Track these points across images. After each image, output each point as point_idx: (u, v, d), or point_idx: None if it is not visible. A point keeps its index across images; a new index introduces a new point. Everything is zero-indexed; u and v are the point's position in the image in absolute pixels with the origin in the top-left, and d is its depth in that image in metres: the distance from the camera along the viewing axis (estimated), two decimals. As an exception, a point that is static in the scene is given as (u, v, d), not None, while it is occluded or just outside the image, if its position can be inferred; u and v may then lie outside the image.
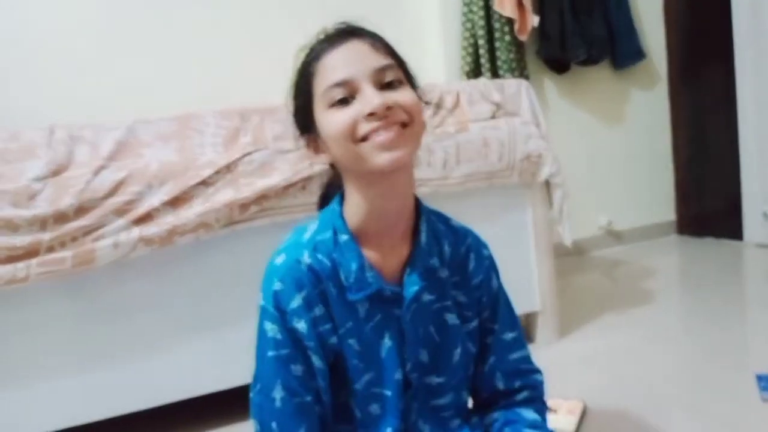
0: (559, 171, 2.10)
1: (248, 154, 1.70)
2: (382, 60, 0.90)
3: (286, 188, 1.71)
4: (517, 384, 1.09)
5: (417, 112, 0.91)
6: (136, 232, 1.58)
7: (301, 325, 0.94)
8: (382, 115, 0.87)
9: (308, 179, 1.72)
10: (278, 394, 0.95)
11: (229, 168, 1.67)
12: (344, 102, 0.89)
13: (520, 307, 1.15)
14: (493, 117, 2.00)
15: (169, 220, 1.61)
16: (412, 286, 0.99)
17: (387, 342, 1.00)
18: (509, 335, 1.10)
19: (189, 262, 1.71)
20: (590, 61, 3.28)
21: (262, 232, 1.75)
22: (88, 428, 1.65)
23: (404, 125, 0.89)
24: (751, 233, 3.37)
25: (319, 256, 0.95)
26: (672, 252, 3.55)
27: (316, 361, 0.95)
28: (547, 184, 2.14)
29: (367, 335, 0.98)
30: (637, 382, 1.86)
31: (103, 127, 1.64)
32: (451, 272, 1.05)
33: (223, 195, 1.66)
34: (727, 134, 3.45)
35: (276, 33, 2.92)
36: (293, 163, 1.72)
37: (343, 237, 0.96)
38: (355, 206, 0.97)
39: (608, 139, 3.61)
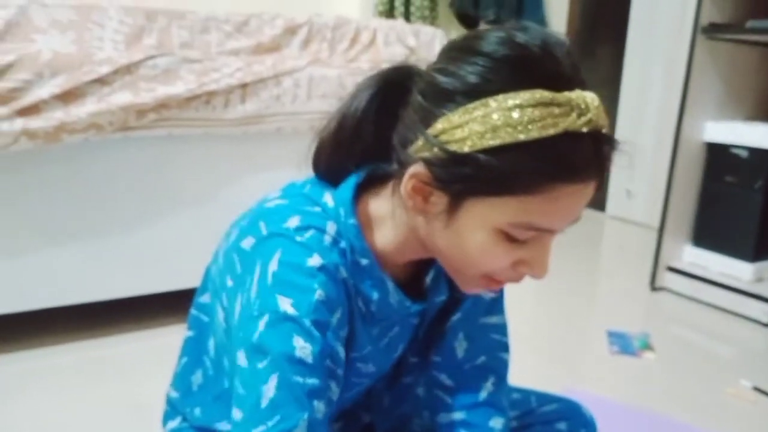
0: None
1: (151, 57, 1.61)
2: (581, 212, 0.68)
3: (189, 99, 1.64)
4: (481, 359, 0.89)
5: None
6: (20, 123, 1.47)
7: (340, 349, 0.71)
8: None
9: (213, 93, 1.66)
10: None
11: (129, 69, 1.58)
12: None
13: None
14: (405, 61, 2.01)
15: (57, 116, 1.50)
16: (438, 297, 0.84)
17: (399, 353, 0.87)
18: (488, 294, 0.89)
19: (75, 163, 1.61)
20: (497, 21, 3.36)
21: (157, 142, 1.68)
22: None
23: None
24: (612, 207, 3.66)
25: (345, 271, 0.73)
26: (542, 216, 3.77)
27: (335, 395, 0.72)
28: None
29: (381, 354, 0.83)
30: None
31: (-10, 2, 1.49)
32: None
33: (120, 97, 1.56)
34: (608, 115, 3.67)
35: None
36: (199, 74, 1.65)
37: (363, 261, 0.74)
38: (388, 238, 0.75)
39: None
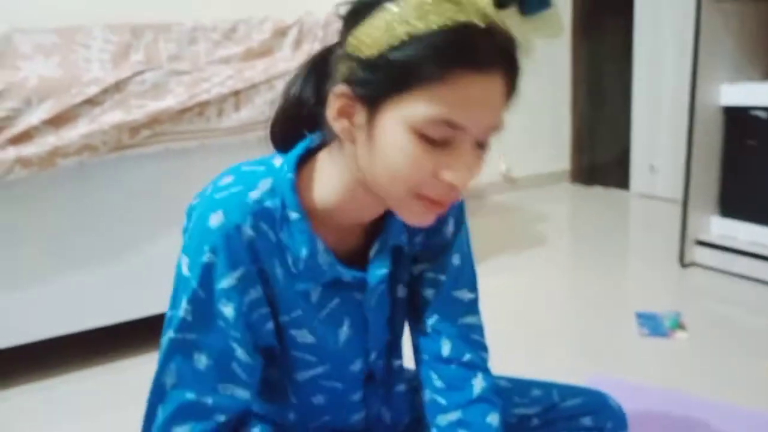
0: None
1: (140, 73, 1.58)
2: (501, 117, 0.70)
3: (181, 112, 1.61)
4: (467, 357, 0.89)
5: None
6: (13, 152, 1.45)
7: (228, 311, 0.74)
8: (456, 190, 0.70)
9: (205, 104, 1.63)
10: (170, 380, 0.75)
11: (118, 87, 1.56)
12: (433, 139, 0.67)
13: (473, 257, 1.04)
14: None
15: (50, 141, 1.49)
16: (379, 269, 0.83)
17: (345, 330, 0.85)
18: (467, 296, 0.91)
19: (72, 187, 1.59)
20: (499, 4, 3.29)
21: (154, 159, 1.66)
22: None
23: None
24: (637, 184, 3.56)
25: (264, 227, 0.75)
26: (564, 199, 3.70)
27: (241, 355, 0.75)
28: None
29: (320, 324, 0.82)
30: (529, 318, 1.94)
31: (-28, 33, 1.48)
32: (422, 237, 0.89)
33: (112, 116, 1.54)
34: (621, 89, 3.58)
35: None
36: (189, 85, 1.62)
37: (293, 215, 0.75)
38: (330, 192, 0.77)
39: (511, 86, 3.66)
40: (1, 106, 1.44)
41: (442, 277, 0.89)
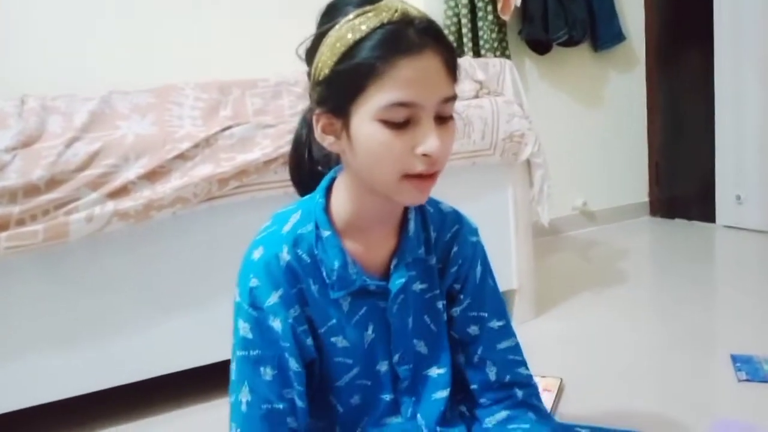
0: (540, 151, 2.10)
1: (228, 128, 1.65)
2: (450, 88, 0.82)
3: (267, 164, 1.67)
4: (507, 378, 1.05)
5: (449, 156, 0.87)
6: (111, 206, 1.54)
7: (276, 324, 0.89)
8: (434, 161, 0.82)
9: (289, 155, 1.68)
10: (245, 397, 0.90)
11: (208, 142, 1.63)
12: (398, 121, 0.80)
13: (498, 285, 1.14)
14: (476, 96, 1.98)
15: (145, 194, 1.57)
16: (398, 279, 0.96)
17: (370, 334, 0.98)
18: (497, 323, 1.06)
19: (165, 236, 1.67)
20: (571, 42, 3.27)
21: (241, 208, 1.71)
22: (61, 405, 1.62)
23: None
24: (723, 216, 3.43)
25: (299, 252, 0.91)
26: (645, 233, 3.59)
27: (293, 365, 0.90)
28: (528, 163, 2.13)
29: (351, 330, 0.96)
30: (613, 361, 1.88)
31: (77, 97, 1.58)
32: (437, 259, 1.02)
33: (202, 169, 1.61)
34: (703, 118, 3.47)
35: (258, 8, 2.86)
36: (274, 138, 1.68)
37: (326, 233, 0.91)
38: (346, 202, 0.92)
39: (586, 120, 3.62)
40: (101, 162, 1.53)
41: (484, 314, 1.05)
